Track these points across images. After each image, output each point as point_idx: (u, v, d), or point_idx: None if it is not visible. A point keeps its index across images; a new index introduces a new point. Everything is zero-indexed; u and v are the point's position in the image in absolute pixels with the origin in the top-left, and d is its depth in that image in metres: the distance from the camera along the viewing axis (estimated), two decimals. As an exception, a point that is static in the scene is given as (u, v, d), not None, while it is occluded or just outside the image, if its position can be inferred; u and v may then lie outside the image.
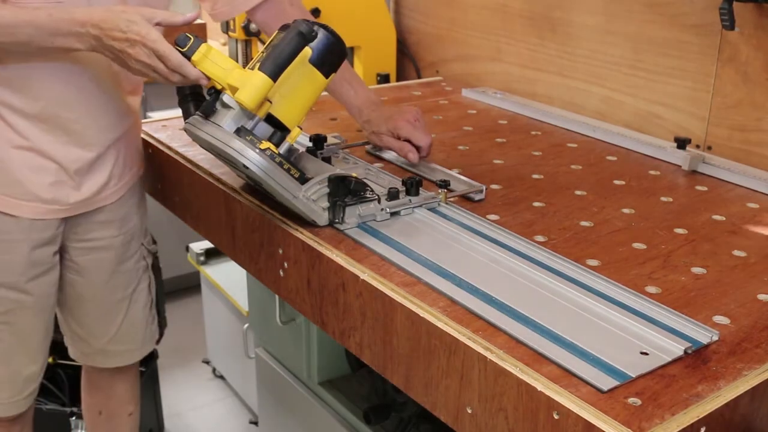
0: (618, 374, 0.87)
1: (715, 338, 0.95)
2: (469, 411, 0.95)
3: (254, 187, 1.35)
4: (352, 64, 2.38)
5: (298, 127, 1.25)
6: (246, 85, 1.16)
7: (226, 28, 2.13)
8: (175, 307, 3.07)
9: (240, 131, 1.17)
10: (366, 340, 1.11)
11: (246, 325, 2.13)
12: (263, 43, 2.19)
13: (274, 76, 1.16)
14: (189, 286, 3.13)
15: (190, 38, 1.19)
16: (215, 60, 1.19)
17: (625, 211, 1.34)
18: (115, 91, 1.48)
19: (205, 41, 1.19)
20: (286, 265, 1.27)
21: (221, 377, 2.72)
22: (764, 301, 1.06)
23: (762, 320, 1.00)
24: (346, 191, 1.20)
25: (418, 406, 1.39)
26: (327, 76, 1.25)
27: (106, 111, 1.47)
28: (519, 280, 1.08)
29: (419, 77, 2.39)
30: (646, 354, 0.91)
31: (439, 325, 0.97)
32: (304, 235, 1.20)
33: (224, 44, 3.32)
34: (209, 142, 1.19)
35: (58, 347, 2.34)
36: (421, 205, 1.28)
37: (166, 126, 1.74)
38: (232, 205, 1.40)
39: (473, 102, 2.03)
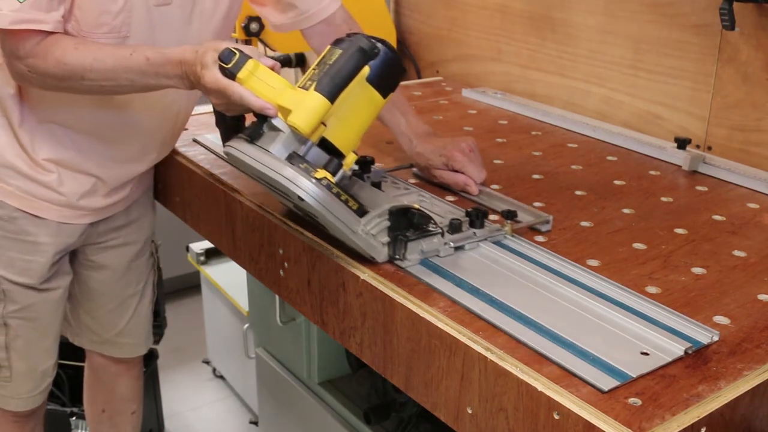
0: (618, 374, 0.87)
1: (716, 338, 0.95)
2: (470, 411, 0.95)
3: (298, 214, 1.25)
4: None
5: (353, 152, 1.15)
6: (300, 107, 1.06)
7: (226, 28, 2.12)
8: (175, 307, 3.07)
9: (292, 158, 1.07)
10: (366, 340, 1.11)
11: (246, 325, 2.13)
12: (264, 43, 2.17)
13: (332, 97, 1.06)
14: (189, 286, 3.13)
15: (236, 53, 1.08)
16: (264, 78, 1.09)
17: (625, 211, 1.34)
18: (175, 125, 1.52)
19: (252, 57, 1.09)
20: (286, 265, 1.26)
21: (221, 377, 2.72)
22: (764, 301, 1.06)
23: (762, 320, 1.00)
24: (408, 224, 1.10)
25: (418, 406, 1.39)
26: (385, 96, 1.14)
27: (164, 143, 1.51)
28: (519, 281, 1.08)
29: (419, 77, 2.39)
30: (646, 354, 0.91)
31: (440, 325, 0.97)
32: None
33: (224, 44, 3.32)
34: (256, 168, 1.07)
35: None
36: (486, 239, 1.17)
37: (166, 126, 1.74)
38: (232, 205, 1.40)
39: (473, 102, 2.03)
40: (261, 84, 1.08)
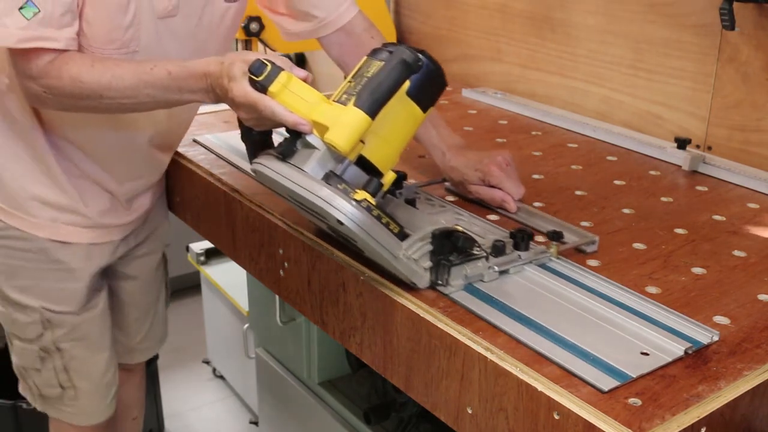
0: (618, 374, 0.87)
1: (716, 338, 0.95)
2: (470, 411, 0.95)
3: (329, 234, 1.17)
4: (352, 64, 2.37)
5: (392, 170, 1.07)
6: (338, 123, 0.98)
7: (226, 28, 2.12)
8: (175, 307, 3.05)
9: (329, 178, 0.99)
10: (366, 341, 1.11)
11: (246, 325, 2.13)
12: (263, 43, 2.18)
13: (373, 113, 0.98)
14: (189, 286, 3.13)
15: (267, 65, 1.01)
16: (297, 91, 1.01)
17: (625, 211, 1.34)
18: (180, 129, 1.50)
19: (284, 69, 1.03)
20: (286, 265, 1.27)
21: (221, 377, 2.72)
22: (764, 301, 1.06)
23: (762, 320, 1.00)
24: (451, 248, 1.03)
25: (418, 406, 1.39)
26: (425, 110, 1.08)
27: (171, 147, 1.50)
28: (519, 281, 1.08)
29: (419, 77, 2.39)
30: (646, 354, 0.91)
31: (440, 325, 0.97)
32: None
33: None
34: (289, 188, 1.00)
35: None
36: (530, 261, 1.11)
37: (166, 126, 1.74)
38: (232, 205, 1.40)
39: (473, 102, 2.03)
40: (294, 98, 1.01)
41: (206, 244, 2.51)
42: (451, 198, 1.38)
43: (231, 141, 1.62)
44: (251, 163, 1.09)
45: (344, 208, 0.95)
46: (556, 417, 0.84)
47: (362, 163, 1.04)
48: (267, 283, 1.36)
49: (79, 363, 1.49)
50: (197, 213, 1.56)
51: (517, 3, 2.04)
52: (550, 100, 1.99)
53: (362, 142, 1.03)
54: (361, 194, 0.97)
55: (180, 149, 1.59)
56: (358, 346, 1.13)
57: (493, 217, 1.29)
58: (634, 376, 0.87)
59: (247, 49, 2.19)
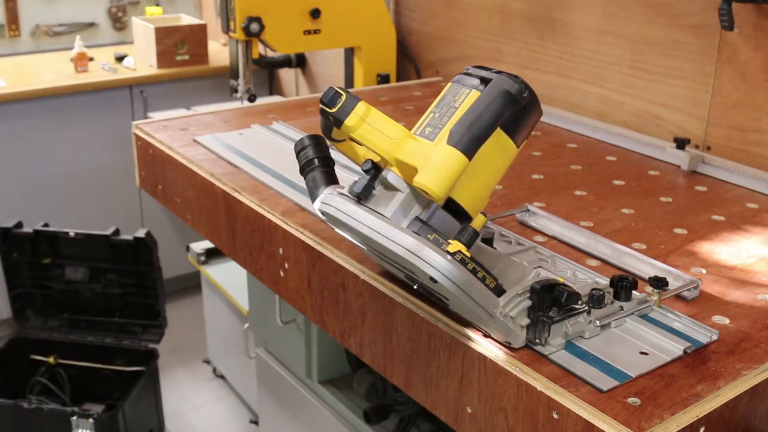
0: (618, 374, 0.87)
1: (715, 338, 0.95)
2: (469, 411, 0.95)
3: (407, 283, 1.03)
4: (352, 64, 2.38)
5: (482, 213, 0.95)
6: (430, 165, 0.85)
7: (227, 28, 2.12)
8: (175, 307, 3.07)
9: (417, 226, 0.88)
10: (366, 340, 1.11)
11: (246, 325, 2.14)
12: (264, 43, 2.17)
13: (470, 152, 0.85)
14: (189, 286, 3.14)
15: (342, 94, 0.90)
16: (377, 125, 0.90)
17: (625, 211, 1.34)
18: None
19: (362, 99, 0.90)
20: (286, 265, 1.27)
21: (221, 377, 2.72)
22: (763, 301, 1.06)
23: (761, 320, 1.01)
24: (551, 303, 0.91)
25: (418, 405, 1.39)
26: (519, 144, 0.93)
27: None
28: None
29: (419, 77, 2.39)
30: (645, 354, 0.92)
31: (440, 325, 0.97)
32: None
33: (224, 44, 3.33)
34: (368, 236, 0.88)
35: (58, 347, 2.35)
36: (632, 313, 0.99)
37: (166, 126, 1.74)
38: (232, 205, 1.40)
39: (473, 102, 2.02)
40: (374, 133, 0.90)
41: (206, 244, 2.52)
42: (521, 230, 1.24)
43: (231, 141, 1.62)
44: (315, 202, 0.98)
45: (437, 263, 0.83)
46: (556, 416, 0.84)
47: (449, 206, 0.91)
48: (267, 283, 1.36)
49: None
50: (197, 213, 1.56)
51: (516, 3, 2.05)
52: (550, 101, 2.00)
53: None
54: (455, 245, 0.85)
55: (180, 149, 1.60)
56: (358, 345, 1.14)
57: (591, 262, 1.15)
58: (634, 375, 0.87)
59: (247, 50, 2.16)
